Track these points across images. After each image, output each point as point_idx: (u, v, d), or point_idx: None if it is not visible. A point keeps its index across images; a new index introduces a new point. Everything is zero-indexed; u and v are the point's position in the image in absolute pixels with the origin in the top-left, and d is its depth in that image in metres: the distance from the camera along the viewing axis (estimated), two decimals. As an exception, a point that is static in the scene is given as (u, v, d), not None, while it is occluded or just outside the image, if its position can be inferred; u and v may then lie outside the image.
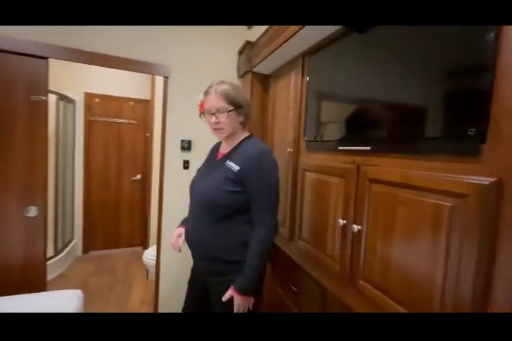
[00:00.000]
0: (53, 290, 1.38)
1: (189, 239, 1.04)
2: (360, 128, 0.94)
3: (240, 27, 1.77)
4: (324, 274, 1.07)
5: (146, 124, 2.94)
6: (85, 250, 2.95)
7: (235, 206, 0.94)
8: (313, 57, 1.19)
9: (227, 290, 0.93)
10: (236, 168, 0.93)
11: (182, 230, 1.10)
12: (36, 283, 1.50)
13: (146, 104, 2.89)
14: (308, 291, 1.18)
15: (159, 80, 1.99)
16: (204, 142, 1.78)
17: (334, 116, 1.09)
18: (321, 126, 1.15)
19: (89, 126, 2.79)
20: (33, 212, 1.48)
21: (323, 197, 1.10)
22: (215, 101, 0.95)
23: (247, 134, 1.05)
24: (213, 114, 0.96)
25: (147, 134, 2.88)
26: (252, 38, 1.58)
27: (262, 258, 0.93)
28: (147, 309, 2.00)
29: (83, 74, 2.68)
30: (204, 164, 1.16)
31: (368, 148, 0.87)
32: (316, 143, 1.18)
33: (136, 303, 2.09)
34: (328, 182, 1.07)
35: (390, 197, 0.78)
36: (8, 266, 1.45)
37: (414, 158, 0.74)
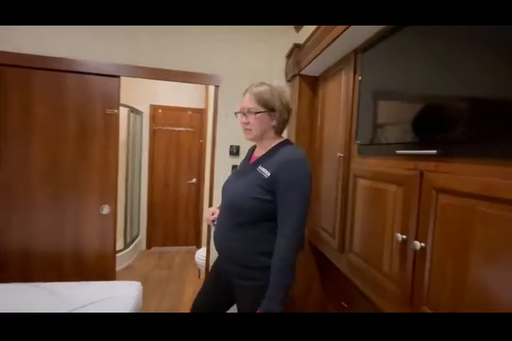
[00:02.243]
0: (121, 279, 1.56)
1: (215, 238, 1.04)
2: (424, 128, 0.81)
3: (287, 32, 1.75)
4: (379, 294, 0.95)
5: (201, 132, 3.15)
6: (149, 245, 3.28)
7: (261, 213, 0.91)
8: (368, 53, 1.09)
9: (251, 295, 0.92)
10: (267, 173, 0.90)
11: (217, 210, 1.12)
12: (107, 272, 1.71)
13: (201, 113, 3.10)
14: (360, 310, 1.07)
15: (211, 89, 2.11)
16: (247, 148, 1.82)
17: (392, 116, 0.97)
18: (377, 128, 1.03)
19: (153, 134, 3.13)
20: (106, 210, 1.70)
21: (377, 207, 0.98)
22: (247, 102, 0.95)
23: (282, 139, 1.00)
24: (244, 114, 0.96)
25: (201, 141, 3.08)
26: (300, 41, 1.55)
27: (285, 275, 0.86)
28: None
29: (149, 88, 3.02)
30: (239, 166, 1.15)
31: (434, 151, 0.74)
32: (370, 147, 1.07)
33: (188, 300, 2.21)
34: (384, 190, 0.95)
35: (464, 211, 0.64)
36: (86, 256, 1.69)
37: (500, 163, 0.59)
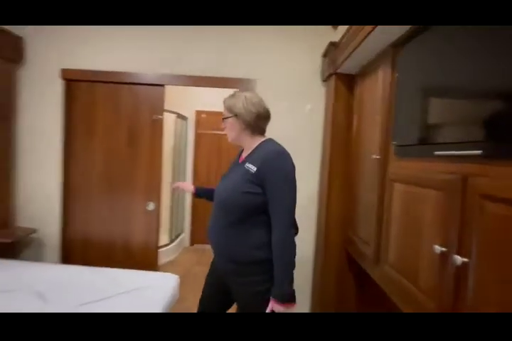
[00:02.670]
0: (164, 272, 1.69)
1: (209, 239, 1.10)
2: (470, 127, 0.71)
3: (324, 30, 1.70)
4: (414, 310, 0.85)
5: (240, 134, 3.25)
6: (192, 242, 3.49)
7: (251, 207, 0.96)
8: (408, 47, 0.99)
9: (251, 290, 0.97)
10: (254, 169, 0.96)
11: (190, 186, 1.32)
12: (151, 264, 1.88)
13: (242, 116, 3.19)
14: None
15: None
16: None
17: (434, 114, 0.87)
18: (415, 128, 0.94)
19: (197, 138, 3.34)
20: (151, 206, 1.88)
21: (414, 215, 0.88)
22: (223, 111, 1.07)
23: (264, 138, 1.07)
24: (222, 120, 1.09)
25: (240, 143, 3.17)
26: (336, 39, 1.49)
27: (287, 260, 0.94)
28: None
29: (194, 94, 3.23)
30: (229, 169, 1.21)
31: (479, 152, 0.64)
32: (408, 148, 0.97)
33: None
34: (421, 196, 0.85)
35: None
36: (133, 247, 1.89)
37: None
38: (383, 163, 1.13)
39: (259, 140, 1.06)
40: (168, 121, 2.68)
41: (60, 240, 1.86)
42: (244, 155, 1.10)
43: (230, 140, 1.10)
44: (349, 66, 1.44)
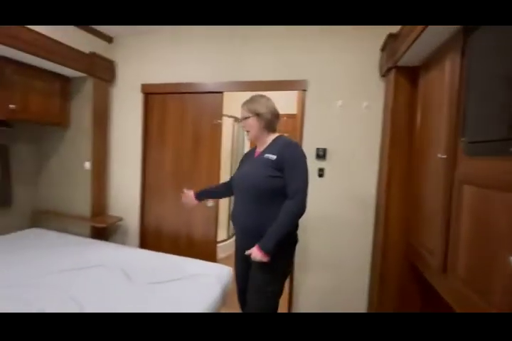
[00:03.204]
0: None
1: (236, 221, 1.28)
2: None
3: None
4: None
5: (294, 136, 3.25)
6: (247, 240, 3.62)
7: (274, 189, 1.15)
8: (486, 29, 0.87)
9: (264, 262, 1.10)
10: (273, 157, 1.16)
11: (191, 195, 1.50)
12: (210, 256, 2.05)
13: (294, 118, 3.20)
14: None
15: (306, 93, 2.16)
16: (340, 150, 1.75)
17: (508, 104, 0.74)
18: (495, 121, 0.81)
19: (253, 140, 3.48)
20: (210, 203, 2.05)
21: (488, 222, 0.77)
22: (242, 112, 1.26)
23: (277, 134, 1.27)
24: (242, 121, 1.28)
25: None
26: (395, 30, 1.39)
27: (286, 226, 1.11)
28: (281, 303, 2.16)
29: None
30: (242, 164, 1.39)
31: None
32: (482, 145, 0.84)
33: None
34: (496, 200, 0.74)
35: None
36: (195, 240, 2.10)
37: None
38: (451, 163, 1.00)
39: (273, 136, 1.26)
40: (227, 124, 2.88)
41: (139, 228, 2.21)
42: (259, 150, 1.29)
43: (250, 137, 1.28)
44: (411, 57, 1.32)
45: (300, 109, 1.86)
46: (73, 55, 1.86)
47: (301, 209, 1.12)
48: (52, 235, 2.02)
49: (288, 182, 1.13)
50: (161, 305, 1.20)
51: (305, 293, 1.87)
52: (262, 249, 1.09)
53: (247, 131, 1.28)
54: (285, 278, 1.25)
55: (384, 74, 1.60)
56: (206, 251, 2.07)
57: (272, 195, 1.15)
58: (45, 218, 2.22)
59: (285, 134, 1.30)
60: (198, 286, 1.38)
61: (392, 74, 1.49)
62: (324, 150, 1.77)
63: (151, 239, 2.20)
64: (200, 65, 2.00)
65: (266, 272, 1.16)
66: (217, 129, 2.02)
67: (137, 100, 2.16)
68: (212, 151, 2.04)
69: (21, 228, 2.12)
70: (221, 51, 1.94)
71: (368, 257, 1.75)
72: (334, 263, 1.81)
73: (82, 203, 2.12)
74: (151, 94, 2.14)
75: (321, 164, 1.79)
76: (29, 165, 2.18)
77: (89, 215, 2.10)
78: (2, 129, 1.88)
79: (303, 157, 1.16)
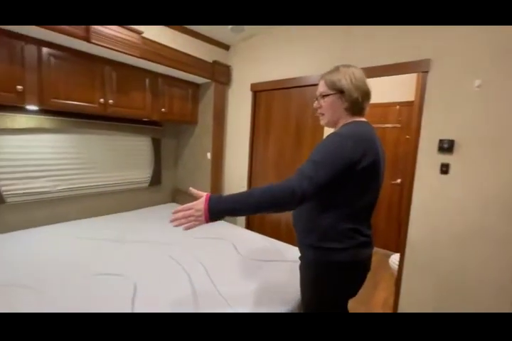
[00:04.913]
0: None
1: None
2: None
3: None
4: None
5: (409, 126, 2.81)
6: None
7: None
8: None
9: (303, 274, 0.96)
10: None
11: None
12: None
13: (410, 106, 2.74)
14: None
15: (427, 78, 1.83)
16: (474, 141, 1.42)
17: None
18: None
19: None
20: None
21: None
22: (319, 87, 0.95)
23: (352, 119, 0.91)
24: (317, 99, 0.96)
25: (407, 136, 2.74)
26: None
27: (250, 199, 0.76)
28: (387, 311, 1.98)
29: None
30: None
31: None
32: None
33: (378, 303, 2.14)
34: None
35: None
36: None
37: None
38: None
39: (347, 122, 0.92)
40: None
41: (244, 212, 2.53)
42: None
43: (324, 122, 0.97)
44: None
45: (418, 94, 1.60)
46: (202, 65, 2.27)
47: (283, 191, 0.75)
48: (183, 210, 2.61)
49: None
50: (265, 279, 1.36)
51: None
52: (208, 203, 0.76)
53: (320, 115, 0.97)
54: (329, 308, 0.95)
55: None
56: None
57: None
58: (179, 195, 2.87)
59: (363, 119, 0.93)
60: (296, 270, 1.47)
61: None
62: (451, 142, 1.47)
63: (256, 222, 2.48)
64: (304, 59, 2.04)
65: (304, 287, 0.97)
66: (319, 122, 2.02)
67: (247, 98, 2.42)
68: (314, 144, 2.06)
69: (165, 202, 2.84)
70: (327, 41, 1.91)
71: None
72: (462, 285, 1.50)
73: (204, 185, 2.61)
74: (259, 92, 2.35)
75: (446, 158, 1.50)
76: (171, 154, 2.86)
77: (208, 196, 2.57)
78: (157, 128, 2.55)
79: (329, 145, 0.82)
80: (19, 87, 1.50)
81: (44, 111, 1.79)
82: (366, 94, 0.91)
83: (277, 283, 1.33)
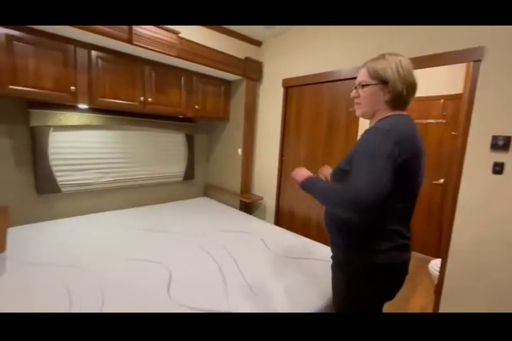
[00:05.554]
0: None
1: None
2: None
3: None
4: None
5: (455, 122, 2.56)
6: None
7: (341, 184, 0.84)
8: None
9: (337, 274, 0.93)
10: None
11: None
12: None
13: (458, 99, 2.49)
14: None
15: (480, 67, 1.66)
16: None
17: None
18: None
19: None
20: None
21: None
22: (359, 76, 0.88)
23: (391, 113, 0.85)
24: (356, 88, 0.90)
25: (453, 133, 2.50)
26: None
27: (327, 194, 0.79)
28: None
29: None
30: None
31: None
32: None
33: (414, 309, 2.02)
34: None
35: None
36: (324, 228, 2.15)
37: None
38: None
39: (386, 115, 0.85)
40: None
41: (275, 208, 2.52)
42: None
43: (360, 112, 0.90)
44: None
45: (468, 86, 1.45)
46: (234, 62, 2.30)
47: (354, 197, 0.69)
48: (213, 203, 2.69)
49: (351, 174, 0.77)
50: (293, 276, 1.36)
51: None
52: (304, 179, 0.90)
53: (356, 104, 0.90)
54: (363, 310, 0.89)
55: None
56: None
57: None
58: (210, 190, 2.96)
59: (404, 113, 0.86)
60: (326, 268, 1.44)
61: None
62: (507, 138, 1.32)
63: (285, 219, 2.47)
64: (337, 52, 1.96)
65: (337, 288, 0.94)
66: (353, 117, 1.95)
67: (278, 94, 2.40)
68: (348, 139, 1.99)
69: (198, 196, 2.95)
70: (361, 30, 1.81)
71: None
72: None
73: (234, 181, 2.66)
74: (291, 87, 2.32)
75: (500, 157, 1.35)
76: (203, 150, 2.95)
77: (238, 191, 2.61)
78: (191, 124, 2.64)
79: (373, 144, 0.75)
80: (72, 88, 1.65)
81: (92, 110, 1.97)
82: (412, 87, 0.83)
83: (306, 281, 1.32)
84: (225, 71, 2.26)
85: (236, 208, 2.60)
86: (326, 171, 1.19)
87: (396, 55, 0.85)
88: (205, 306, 1.09)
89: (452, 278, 1.54)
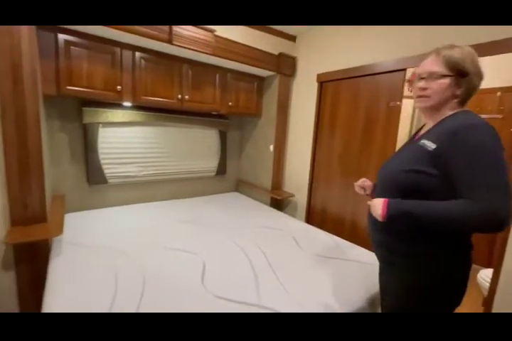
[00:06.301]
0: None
1: (368, 219, 0.96)
2: None
3: None
4: None
5: (509, 119, 2.28)
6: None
7: (409, 187, 0.77)
8: None
9: (396, 282, 0.85)
10: (432, 146, 0.74)
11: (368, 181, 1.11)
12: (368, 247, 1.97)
13: (520, 90, 2.21)
14: None
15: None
16: None
17: None
18: None
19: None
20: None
21: None
22: (430, 64, 0.78)
23: (459, 110, 0.78)
24: (423, 78, 0.79)
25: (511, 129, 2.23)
26: None
27: (440, 213, 0.69)
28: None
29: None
30: (400, 148, 0.97)
31: None
32: None
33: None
34: None
35: None
36: (358, 229, 2.08)
37: None
38: None
39: (454, 111, 0.79)
40: (408, 107, 2.50)
41: (306, 206, 2.49)
42: (422, 131, 0.88)
43: (426, 105, 0.80)
44: None
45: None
46: (268, 58, 2.29)
47: (478, 218, 0.64)
48: (244, 198, 2.74)
49: (457, 184, 0.69)
50: (326, 275, 1.34)
51: None
52: (389, 205, 0.76)
53: (423, 97, 0.80)
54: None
55: None
56: (365, 242, 1.99)
57: (406, 195, 0.77)
58: (241, 185, 3.01)
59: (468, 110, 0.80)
60: (360, 270, 1.40)
61: None
62: None
63: (316, 217, 2.43)
64: (375, 43, 1.85)
65: (410, 293, 0.83)
66: (393, 112, 1.83)
67: (313, 89, 2.34)
68: (387, 136, 1.88)
69: (229, 191, 3.02)
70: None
71: None
72: None
73: (265, 178, 2.67)
74: (326, 82, 2.25)
75: None
76: (235, 146, 3.00)
77: (269, 188, 2.62)
78: (224, 121, 2.70)
79: (485, 144, 0.67)
80: (118, 87, 1.79)
81: (134, 107, 2.11)
82: (480, 82, 0.78)
83: (339, 282, 1.29)
84: (259, 67, 2.26)
85: (266, 204, 2.61)
86: (367, 183, 1.11)
87: (461, 46, 0.78)
88: (237, 298, 1.13)
89: (506, 293, 1.38)
